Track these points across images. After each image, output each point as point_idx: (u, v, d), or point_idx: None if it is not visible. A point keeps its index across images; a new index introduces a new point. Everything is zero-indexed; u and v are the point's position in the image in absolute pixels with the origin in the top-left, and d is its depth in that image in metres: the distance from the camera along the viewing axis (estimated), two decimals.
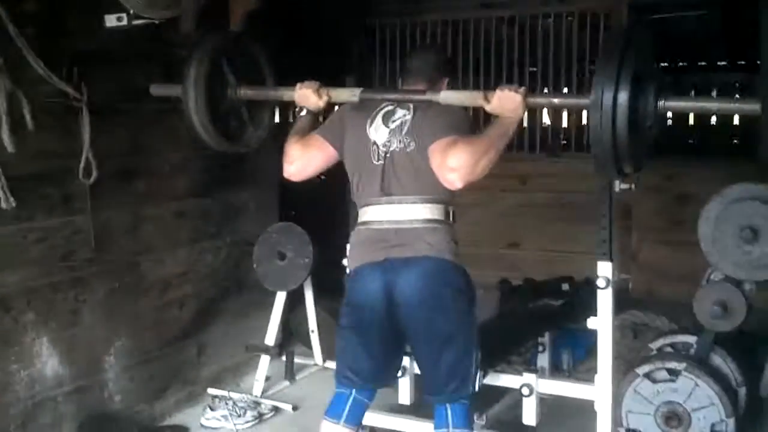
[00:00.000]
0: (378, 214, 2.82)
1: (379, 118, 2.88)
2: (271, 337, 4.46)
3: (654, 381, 3.37)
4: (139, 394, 3.94)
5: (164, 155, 3.99)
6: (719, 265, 3.42)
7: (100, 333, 3.71)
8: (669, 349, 3.64)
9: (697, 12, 6.42)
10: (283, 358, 4.60)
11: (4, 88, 2.99)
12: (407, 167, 2.78)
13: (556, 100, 2.71)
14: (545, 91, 6.96)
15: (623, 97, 2.38)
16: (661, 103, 2.49)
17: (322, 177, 3.11)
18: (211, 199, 4.41)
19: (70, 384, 3.55)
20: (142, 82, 3.48)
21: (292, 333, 4.96)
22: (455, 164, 2.59)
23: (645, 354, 3.67)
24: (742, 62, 8.14)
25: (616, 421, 3.37)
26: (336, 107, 3.10)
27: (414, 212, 2.77)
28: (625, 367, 3.74)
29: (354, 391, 2.91)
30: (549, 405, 3.78)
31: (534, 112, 7.42)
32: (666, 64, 8.54)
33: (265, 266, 4.47)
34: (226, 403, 4.05)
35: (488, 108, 2.70)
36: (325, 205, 5.34)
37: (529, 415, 3.47)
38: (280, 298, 4.48)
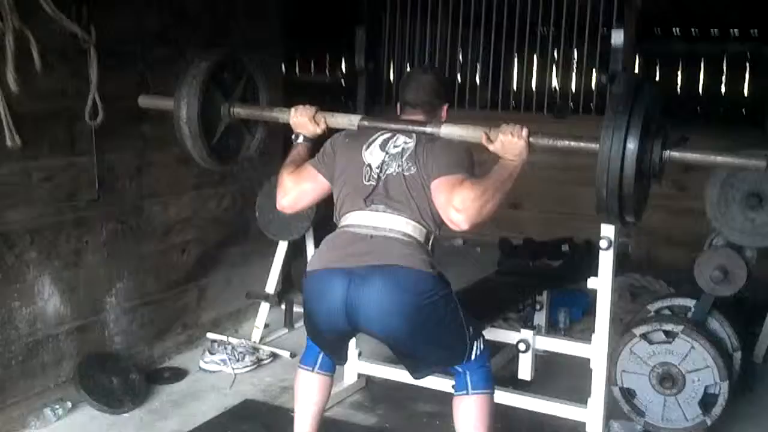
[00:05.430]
0: (358, 218, 2.72)
1: (376, 145, 2.80)
2: (271, 286, 4.49)
3: (650, 342, 3.39)
4: (139, 336, 3.98)
5: None
6: (722, 230, 3.44)
7: (102, 274, 3.74)
8: (667, 312, 3.67)
9: None
10: (283, 306, 4.64)
11: (12, 26, 2.94)
12: (401, 189, 2.70)
13: (560, 144, 2.62)
14: (555, 53, 6.93)
15: (632, 148, 2.34)
16: (666, 153, 2.45)
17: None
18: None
19: (71, 323, 3.58)
20: (153, 25, 3.44)
21: (293, 282, 4.99)
22: (462, 206, 2.53)
23: (643, 315, 3.70)
24: (755, 30, 8.08)
25: (611, 380, 3.41)
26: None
27: (394, 222, 2.67)
28: (621, 328, 3.78)
29: None
30: (544, 362, 3.83)
31: (544, 73, 7.39)
32: (678, 32, 8.48)
33: (267, 215, 4.47)
34: (225, 348, 4.09)
35: (491, 148, 2.61)
36: None
37: (525, 370, 3.50)
38: (282, 247, 4.50)
